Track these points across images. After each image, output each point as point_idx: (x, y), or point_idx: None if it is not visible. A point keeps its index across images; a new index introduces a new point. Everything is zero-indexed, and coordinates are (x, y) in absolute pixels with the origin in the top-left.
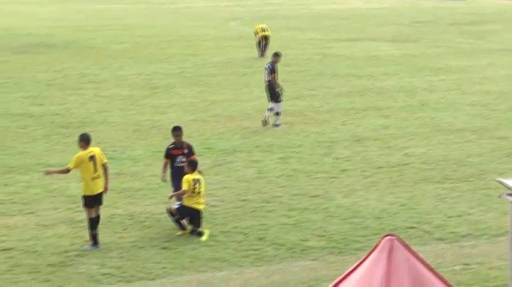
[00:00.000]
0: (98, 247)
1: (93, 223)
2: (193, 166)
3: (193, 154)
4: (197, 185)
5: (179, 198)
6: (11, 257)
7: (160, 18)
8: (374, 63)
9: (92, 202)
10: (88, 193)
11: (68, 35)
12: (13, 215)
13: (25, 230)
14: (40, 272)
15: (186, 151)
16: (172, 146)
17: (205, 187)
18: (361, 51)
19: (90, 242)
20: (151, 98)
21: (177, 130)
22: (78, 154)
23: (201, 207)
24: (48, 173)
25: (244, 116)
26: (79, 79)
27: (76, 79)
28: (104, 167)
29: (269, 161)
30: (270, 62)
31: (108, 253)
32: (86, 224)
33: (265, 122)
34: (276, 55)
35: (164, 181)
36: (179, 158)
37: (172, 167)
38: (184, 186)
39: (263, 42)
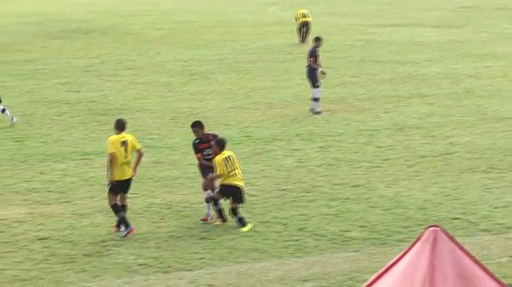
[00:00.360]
0: (131, 227)
1: (117, 207)
2: (221, 145)
3: None
4: (229, 162)
5: (209, 187)
6: (46, 247)
7: (199, 3)
8: (418, 50)
9: (118, 187)
10: (117, 179)
11: (105, 20)
12: (49, 204)
13: (61, 219)
14: (76, 262)
15: (212, 142)
16: (197, 141)
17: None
18: (404, 37)
19: (123, 228)
20: (189, 85)
21: (195, 126)
22: (110, 137)
23: (241, 183)
24: (113, 183)
25: (284, 103)
26: (116, 65)
27: (113, 65)
28: (139, 152)
29: (309, 149)
30: (311, 47)
31: (145, 243)
32: None
33: (312, 111)
34: (317, 39)
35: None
36: (206, 151)
37: (201, 161)
38: (218, 170)
39: (304, 29)
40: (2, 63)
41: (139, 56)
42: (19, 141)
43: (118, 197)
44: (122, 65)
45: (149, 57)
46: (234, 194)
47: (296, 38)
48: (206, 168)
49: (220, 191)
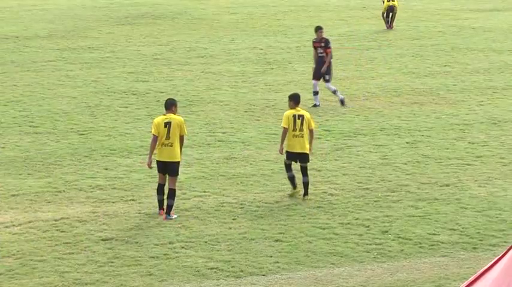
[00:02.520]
0: (159, 211)
1: (159, 188)
2: (295, 99)
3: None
4: (298, 121)
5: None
6: (110, 248)
7: None
8: None
9: (161, 167)
10: (157, 158)
11: (176, 4)
12: (113, 202)
13: (126, 219)
14: (141, 265)
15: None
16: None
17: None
18: (501, 22)
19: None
20: (265, 75)
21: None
22: (155, 118)
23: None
24: (149, 165)
25: (368, 95)
26: (187, 53)
27: (183, 53)
28: (181, 138)
29: (395, 145)
30: (324, 38)
31: (216, 245)
32: (191, 213)
33: (342, 102)
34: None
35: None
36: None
37: None
38: (283, 122)
39: (390, 13)
40: (65, 51)
41: (211, 43)
42: (83, 134)
43: (165, 179)
44: (193, 53)
45: (222, 44)
46: (302, 158)
47: (382, 24)
48: None
49: (286, 155)
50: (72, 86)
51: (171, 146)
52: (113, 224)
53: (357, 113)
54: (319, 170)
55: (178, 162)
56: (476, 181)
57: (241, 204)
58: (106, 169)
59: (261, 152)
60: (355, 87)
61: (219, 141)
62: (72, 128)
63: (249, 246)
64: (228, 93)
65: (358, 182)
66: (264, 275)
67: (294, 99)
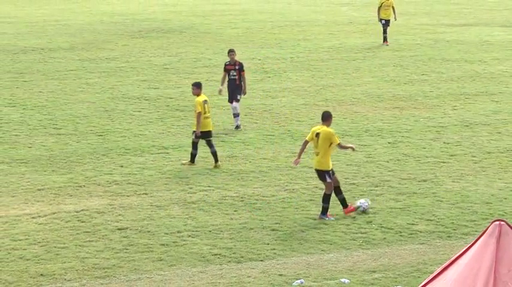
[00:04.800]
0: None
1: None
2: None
3: None
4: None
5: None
6: (125, 237)
7: (273, 3)
8: (486, 49)
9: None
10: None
11: (184, 20)
12: (128, 195)
13: (139, 210)
14: (153, 252)
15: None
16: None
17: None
18: (473, 36)
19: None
20: (263, 83)
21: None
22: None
23: None
24: (296, 163)
25: (354, 100)
26: (193, 63)
27: (190, 63)
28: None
29: (378, 145)
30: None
31: (219, 234)
32: (197, 205)
33: (237, 127)
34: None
35: None
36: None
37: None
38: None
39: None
40: (85, 61)
41: (215, 54)
42: (101, 135)
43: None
44: (198, 63)
45: (224, 55)
46: None
47: (366, 38)
48: None
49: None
50: (91, 93)
51: (317, 155)
52: (128, 215)
53: (345, 117)
54: (310, 167)
55: (325, 170)
56: (450, 177)
57: (242, 197)
58: (121, 166)
59: (259, 151)
60: (343, 93)
61: (221, 141)
62: (91, 130)
63: (249, 235)
64: None
65: (345, 178)
66: (261, 260)
67: (197, 86)
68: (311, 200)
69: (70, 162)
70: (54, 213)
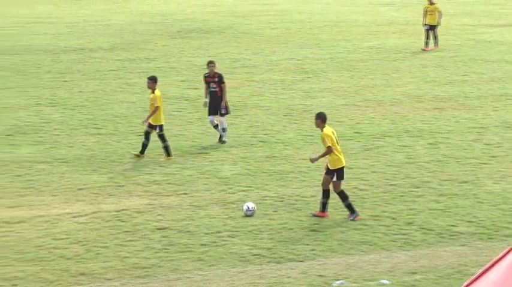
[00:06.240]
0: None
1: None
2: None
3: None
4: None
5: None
6: (165, 236)
7: (313, 3)
8: None
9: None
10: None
11: (223, 20)
12: (168, 195)
13: (179, 210)
14: (193, 252)
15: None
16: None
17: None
18: None
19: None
20: (302, 83)
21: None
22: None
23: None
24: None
25: (394, 101)
26: (232, 64)
27: (230, 64)
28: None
29: (419, 146)
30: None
31: (259, 234)
32: (237, 205)
33: (221, 138)
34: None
35: None
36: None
37: None
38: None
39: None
40: (125, 61)
41: (254, 55)
42: (141, 135)
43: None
44: (238, 63)
45: (264, 56)
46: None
47: (406, 38)
48: None
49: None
50: (131, 93)
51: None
52: (168, 215)
53: (384, 117)
54: (350, 168)
55: (330, 169)
56: (491, 178)
57: (281, 198)
58: (161, 166)
59: (299, 151)
60: (383, 94)
61: (261, 142)
62: (131, 130)
63: (289, 235)
64: (269, 99)
65: (385, 179)
66: (301, 261)
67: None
68: (351, 201)
69: (110, 162)
70: (94, 212)
